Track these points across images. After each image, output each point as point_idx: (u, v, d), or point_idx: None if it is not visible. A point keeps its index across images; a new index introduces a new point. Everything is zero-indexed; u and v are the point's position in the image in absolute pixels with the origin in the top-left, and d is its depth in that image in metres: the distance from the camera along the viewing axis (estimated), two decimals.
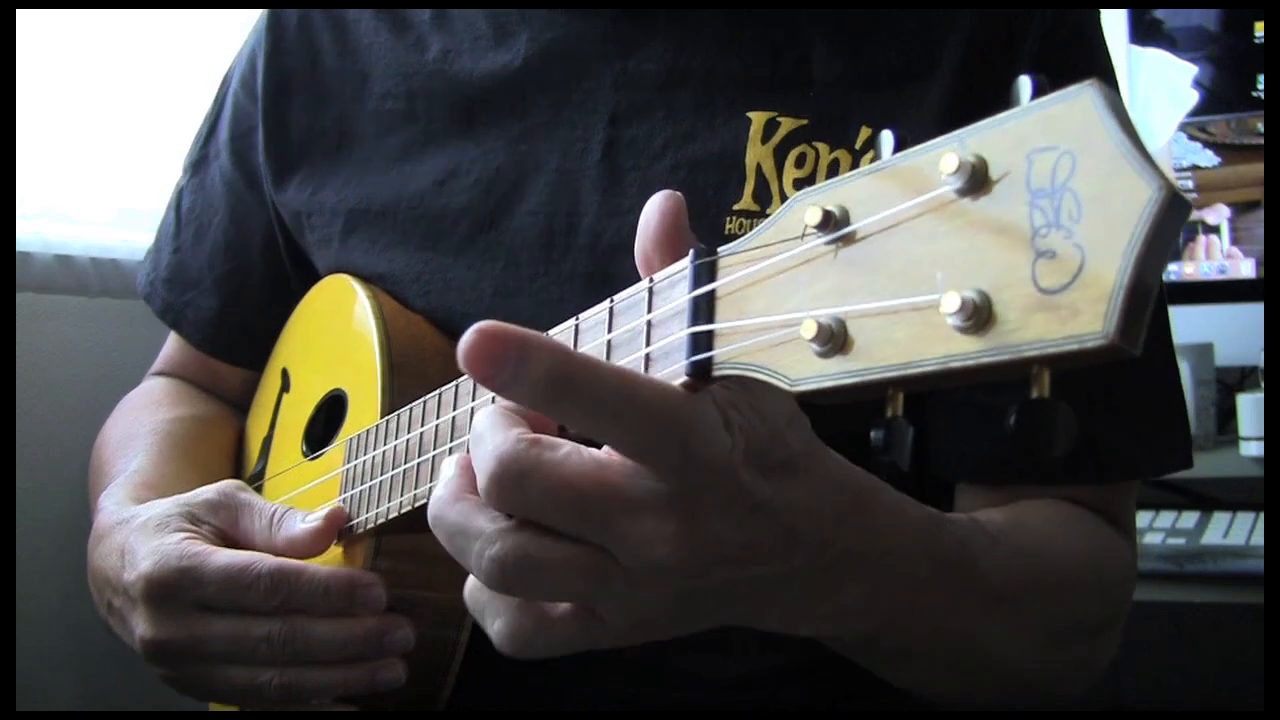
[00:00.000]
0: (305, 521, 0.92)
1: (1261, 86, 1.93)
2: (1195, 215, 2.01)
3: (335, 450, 1.04)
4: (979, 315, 0.41)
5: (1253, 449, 1.83)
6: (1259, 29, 1.94)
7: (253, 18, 1.25)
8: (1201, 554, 1.69)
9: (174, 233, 1.31)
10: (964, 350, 0.42)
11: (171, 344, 1.37)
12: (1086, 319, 0.39)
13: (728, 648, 1.00)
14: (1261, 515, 1.77)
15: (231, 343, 1.30)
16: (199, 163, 1.31)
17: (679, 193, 0.60)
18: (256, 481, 1.20)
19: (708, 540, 0.56)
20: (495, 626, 0.60)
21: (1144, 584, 1.74)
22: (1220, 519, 1.80)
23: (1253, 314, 1.90)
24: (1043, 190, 0.41)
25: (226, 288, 1.28)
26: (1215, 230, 1.99)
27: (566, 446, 0.56)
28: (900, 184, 0.46)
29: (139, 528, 0.95)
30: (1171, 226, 0.38)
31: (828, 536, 0.60)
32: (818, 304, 0.48)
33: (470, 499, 0.59)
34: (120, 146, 1.78)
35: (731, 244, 0.55)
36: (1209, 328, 1.98)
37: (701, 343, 0.54)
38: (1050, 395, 0.41)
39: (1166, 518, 1.83)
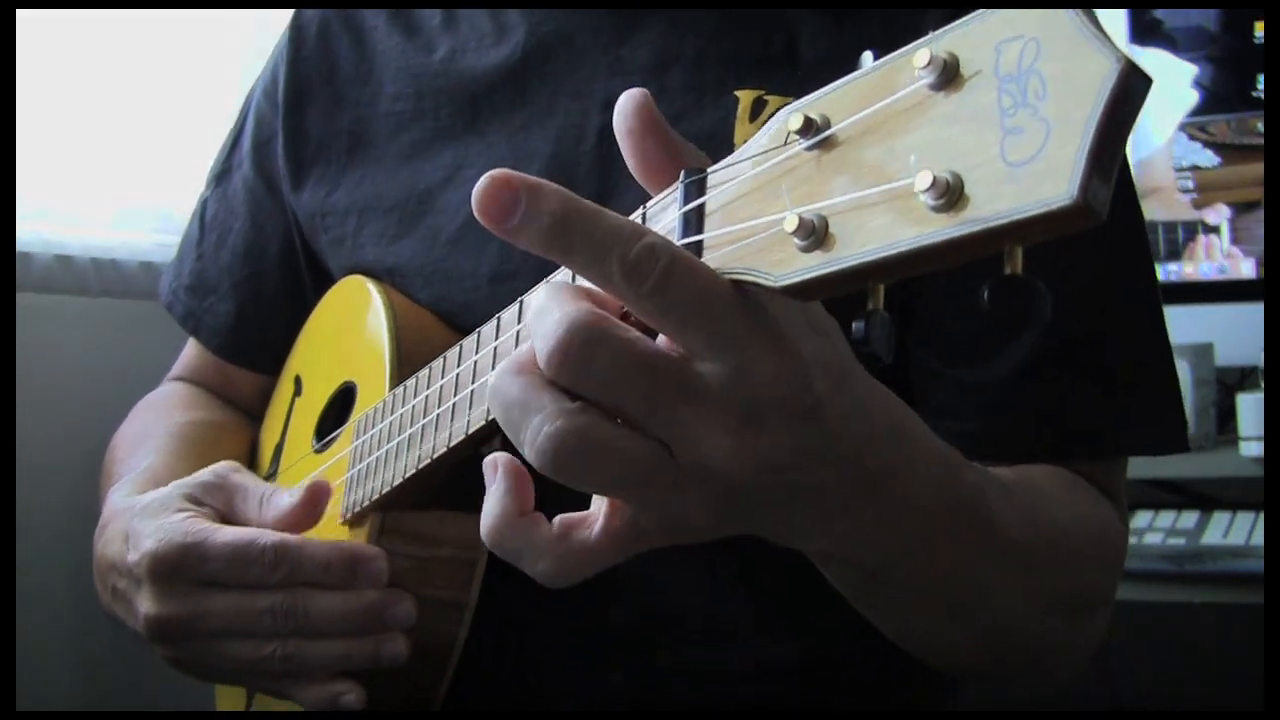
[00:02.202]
0: (289, 497, 0.93)
1: (1261, 86, 1.94)
2: (1195, 215, 2.01)
3: (344, 435, 1.05)
4: (951, 194, 0.42)
5: (1253, 449, 1.82)
6: (1259, 29, 1.94)
7: (253, 18, 1.26)
8: (1201, 554, 1.69)
9: (197, 240, 1.33)
10: (937, 228, 0.43)
11: (189, 350, 1.38)
12: (1052, 185, 0.40)
13: (726, 641, 1.00)
14: (1261, 515, 1.78)
15: (247, 347, 1.31)
16: (223, 174, 1.32)
17: (641, 89, 0.60)
18: (268, 480, 1.20)
19: (764, 443, 0.55)
20: (539, 568, 0.59)
21: (1144, 584, 1.75)
22: (1220, 519, 1.80)
23: (1253, 314, 1.89)
24: (1010, 75, 0.42)
25: (244, 292, 1.29)
26: (1215, 230, 2.00)
27: (634, 330, 0.54)
28: (878, 87, 0.47)
29: (140, 511, 0.96)
30: (1131, 97, 0.39)
31: (862, 450, 0.59)
32: (801, 204, 0.49)
33: (537, 373, 0.56)
34: (120, 147, 1.79)
35: (721, 160, 0.55)
36: (1209, 328, 1.98)
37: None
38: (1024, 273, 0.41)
39: (1166, 518, 1.83)
